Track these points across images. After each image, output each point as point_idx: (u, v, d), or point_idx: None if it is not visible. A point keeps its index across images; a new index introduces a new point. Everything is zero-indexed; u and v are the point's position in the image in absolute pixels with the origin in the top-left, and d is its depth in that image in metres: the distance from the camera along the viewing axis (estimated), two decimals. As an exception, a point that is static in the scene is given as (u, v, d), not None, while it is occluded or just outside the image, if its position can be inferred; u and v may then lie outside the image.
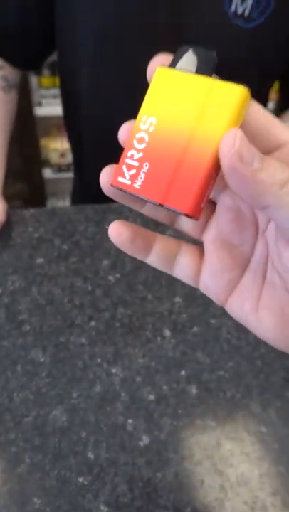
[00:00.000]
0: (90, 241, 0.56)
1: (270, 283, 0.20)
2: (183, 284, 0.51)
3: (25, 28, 0.59)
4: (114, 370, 0.43)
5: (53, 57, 0.65)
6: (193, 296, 0.50)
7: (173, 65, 0.18)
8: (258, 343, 0.45)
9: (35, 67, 0.68)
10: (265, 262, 0.21)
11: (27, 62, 0.64)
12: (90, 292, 0.50)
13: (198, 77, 0.18)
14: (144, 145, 0.18)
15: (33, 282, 0.51)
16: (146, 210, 0.22)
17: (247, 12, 0.49)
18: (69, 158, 1.61)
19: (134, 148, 0.19)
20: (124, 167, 0.19)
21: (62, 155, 1.60)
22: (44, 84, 1.41)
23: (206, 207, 0.20)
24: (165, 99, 0.18)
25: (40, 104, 1.45)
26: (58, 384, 0.41)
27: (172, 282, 0.51)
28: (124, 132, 0.19)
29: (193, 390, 0.41)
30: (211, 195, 0.21)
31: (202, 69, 0.18)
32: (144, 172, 0.18)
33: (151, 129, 0.18)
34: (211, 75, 0.18)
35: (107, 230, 0.57)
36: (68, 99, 0.66)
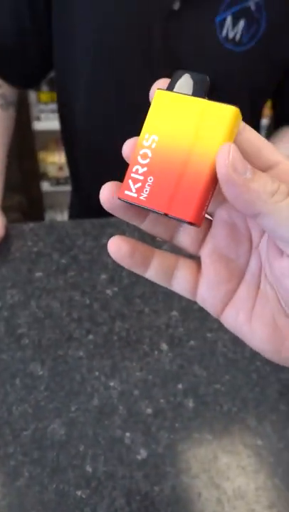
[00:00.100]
0: (88, 255, 0.57)
1: (263, 294, 0.22)
2: (180, 298, 0.51)
3: (23, 47, 0.61)
4: (112, 384, 0.43)
5: (52, 72, 0.67)
6: (190, 310, 0.50)
7: (170, 88, 0.20)
8: (253, 356, 0.46)
9: (33, 85, 0.69)
10: (259, 275, 0.22)
11: (25, 81, 0.66)
12: (88, 306, 0.51)
13: (193, 98, 0.20)
14: (147, 160, 0.20)
15: (32, 296, 0.51)
16: (145, 226, 0.22)
17: (238, 36, 0.51)
18: (67, 171, 1.62)
19: (139, 164, 0.20)
20: (130, 181, 0.20)
21: (61, 168, 1.62)
22: (43, 100, 1.44)
23: (204, 220, 0.22)
24: (165, 119, 0.20)
25: (38, 119, 1.47)
26: (57, 397, 0.42)
27: (169, 296, 0.52)
28: (128, 147, 0.21)
29: (190, 403, 0.42)
30: (208, 211, 0.22)
31: (197, 91, 0.20)
32: (149, 185, 0.20)
33: (153, 146, 0.20)
34: (205, 97, 0.20)
35: (105, 244, 0.58)
36: (65, 116, 0.68)
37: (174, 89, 0.20)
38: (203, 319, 0.49)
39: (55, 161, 1.61)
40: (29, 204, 1.65)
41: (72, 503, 0.35)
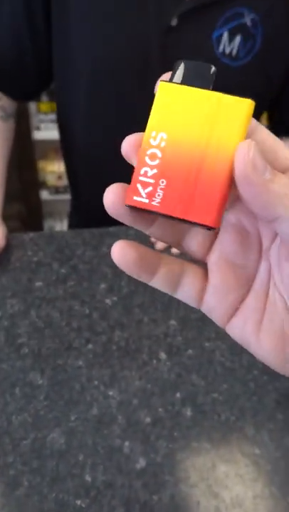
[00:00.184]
0: (88, 265, 0.57)
1: (271, 304, 0.20)
2: (178, 308, 0.52)
3: (22, 62, 0.62)
4: (111, 393, 0.43)
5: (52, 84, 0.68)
6: (188, 319, 0.51)
7: (173, 79, 0.19)
8: (251, 365, 0.47)
9: (33, 98, 0.71)
10: (268, 283, 0.21)
11: (24, 94, 0.67)
12: (87, 315, 0.51)
13: (202, 91, 0.18)
14: (157, 161, 0.18)
15: (32, 305, 0.52)
16: (152, 231, 0.21)
17: (234, 52, 0.52)
18: (66, 180, 1.64)
19: (147, 165, 0.18)
20: (138, 185, 0.18)
21: (60, 177, 1.63)
22: (42, 110, 1.45)
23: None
24: (172, 114, 0.18)
25: (38, 129, 1.48)
26: (56, 407, 0.42)
27: (167, 306, 0.52)
28: (128, 144, 0.19)
29: (189, 412, 0.42)
30: None
31: (203, 82, 0.18)
32: (161, 189, 0.18)
33: (162, 145, 0.18)
34: (211, 88, 0.18)
35: (104, 254, 0.59)
36: (64, 127, 0.69)
37: (177, 81, 0.18)
38: (201, 328, 0.50)
39: (54, 170, 1.63)
40: (28, 213, 1.66)
41: (71, 513, 0.35)
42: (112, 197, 0.19)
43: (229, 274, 0.21)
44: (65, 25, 0.56)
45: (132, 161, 0.19)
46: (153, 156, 0.18)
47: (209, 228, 0.18)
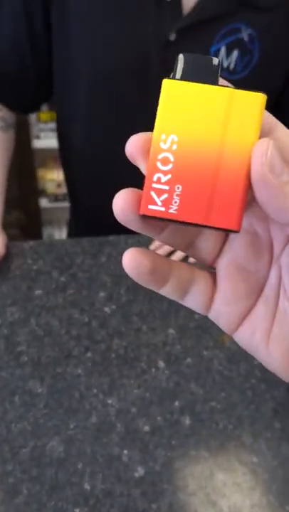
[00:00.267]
0: (87, 273, 0.58)
1: (281, 312, 0.20)
2: (176, 316, 0.53)
3: (22, 75, 0.62)
4: (109, 401, 0.44)
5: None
6: (187, 328, 0.51)
7: (176, 75, 0.17)
8: (248, 374, 0.47)
9: (32, 111, 0.72)
10: (278, 291, 0.20)
11: (24, 107, 0.68)
12: (86, 324, 0.51)
13: (211, 86, 0.17)
14: (170, 166, 0.17)
15: (32, 314, 0.52)
16: (163, 237, 0.20)
17: (232, 66, 0.53)
18: (65, 188, 1.65)
19: (160, 171, 0.17)
20: (152, 193, 0.17)
21: (59, 185, 1.64)
22: (42, 119, 1.47)
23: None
24: (181, 114, 0.17)
25: (38, 137, 1.50)
26: (55, 415, 0.42)
27: (166, 314, 0.53)
28: (132, 145, 0.17)
29: (187, 420, 0.43)
30: None
31: (209, 77, 0.17)
32: (177, 195, 0.17)
33: (174, 148, 0.17)
34: (217, 83, 0.17)
35: (103, 262, 0.59)
36: (64, 137, 0.70)
37: (182, 78, 0.17)
38: (200, 337, 0.50)
39: (53, 178, 1.64)
40: (28, 220, 1.66)
41: (70, 521, 0.35)
42: (122, 203, 0.18)
43: (239, 280, 0.20)
44: (65, 25, 0.56)
45: (138, 162, 0.18)
46: (165, 161, 0.17)
47: (230, 232, 0.17)
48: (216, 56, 0.53)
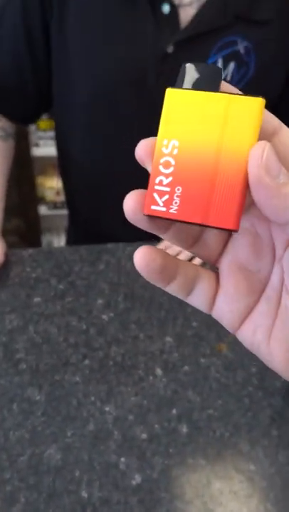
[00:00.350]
0: (85, 281, 0.58)
1: (283, 311, 0.20)
2: (174, 324, 0.53)
3: (22, 87, 0.63)
4: (107, 409, 0.44)
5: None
6: (184, 336, 0.52)
7: (180, 85, 0.19)
8: (245, 381, 0.47)
9: (31, 122, 0.72)
10: (280, 290, 0.20)
11: (23, 118, 0.69)
12: (84, 331, 0.52)
13: (210, 93, 0.18)
14: (171, 169, 0.18)
15: (30, 321, 0.52)
16: (169, 236, 0.21)
17: (228, 78, 0.54)
18: (64, 195, 1.66)
19: (162, 174, 0.19)
20: (155, 194, 0.19)
21: (58, 193, 1.65)
22: (41, 127, 1.48)
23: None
24: (182, 120, 0.18)
25: (37, 145, 1.51)
26: (53, 422, 0.42)
27: (163, 322, 0.53)
28: (141, 149, 0.19)
29: (184, 428, 0.43)
30: None
31: (211, 85, 0.18)
32: (178, 196, 0.18)
33: (175, 152, 0.18)
34: (218, 90, 0.18)
35: (101, 270, 0.60)
36: (63, 147, 0.71)
37: (185, 86, 0.18)
38: (197, 345, 0.51)
39: (52, 185, 1.65)
40: (27, 227, 1.67)
41: (67, 529, 0.35)
42: (132, 203, 0.19)
43: (241, 279, 0.21)
44: (64, 38, 0.57)
45: (146, 165, 0.19)
46: (167, 164, 0.18)
47: (231, 231, 0.18)
48: None
